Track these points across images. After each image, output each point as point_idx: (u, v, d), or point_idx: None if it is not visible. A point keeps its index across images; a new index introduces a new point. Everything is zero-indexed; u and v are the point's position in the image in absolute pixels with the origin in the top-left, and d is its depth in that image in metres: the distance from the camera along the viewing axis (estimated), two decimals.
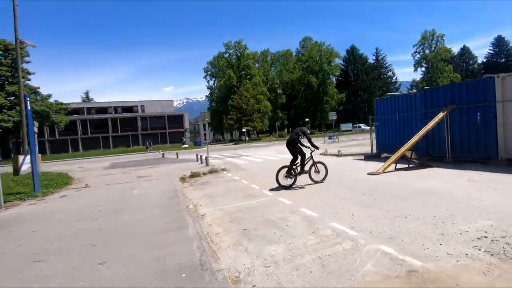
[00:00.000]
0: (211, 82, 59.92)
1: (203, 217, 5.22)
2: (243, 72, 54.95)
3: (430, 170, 8.08)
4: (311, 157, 7.19)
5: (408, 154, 8.51)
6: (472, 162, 8.57)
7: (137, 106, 54.71)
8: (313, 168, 7.22)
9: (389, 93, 12.46)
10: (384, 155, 11.63)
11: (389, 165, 8.17)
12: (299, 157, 7.03)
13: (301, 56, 62.14)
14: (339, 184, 7.08)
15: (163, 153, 22.81)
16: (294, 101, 62.66)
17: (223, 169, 11.76)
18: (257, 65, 62.82)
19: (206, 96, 62.16)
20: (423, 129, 8.78)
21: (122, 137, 48.97)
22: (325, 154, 14.74)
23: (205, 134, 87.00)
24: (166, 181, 9.38)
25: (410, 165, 8.48)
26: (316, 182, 7.22)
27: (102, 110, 53.70)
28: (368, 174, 8.03)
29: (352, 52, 63.90)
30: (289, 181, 6.92)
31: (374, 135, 12.84)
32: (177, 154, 21.18)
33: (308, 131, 7.18)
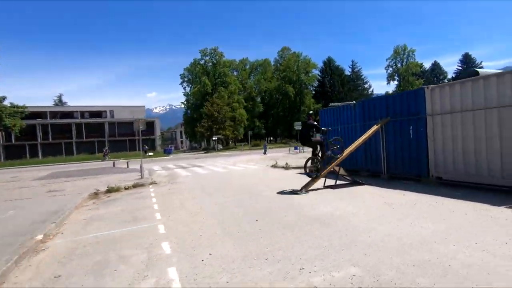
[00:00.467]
0: (188, 89, 58.47)
1: (37, 254, 4.08)
2: (218, 79, 54.03)
3: (357, 188, 7.32)
4: (326, 138, 8.24)
5: (337, 169, 7.74)
6: (406, 179, 7.92)
7: (106, 111, 52.09)
8: (330, 147, 8.20)
9: (331, 104, 11.92)
10: None
11: (313, 183, 7.34)
12: (319, 147, 8.01)
13: (279, 65, 62.27)
14: (243, 205, 6.15)
15: (114, 162, 21.22)
16: (272, 110, 62.33)
17: (152, 183, 10.57)
18: (235, 73, 62.17)
19: (182, 102, 60.48)
20: (353, 144, 8.08)
21: (87, 143, 46.20)
22: (275, 167, 13.85)
23: (182, 142, 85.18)
24: (69, 198, 8.09)
25: (338, 182, 7.71)
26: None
27: (68, 114, 50.75)
28: (291, 193, 7.15)
29: (329, 64, 64.74)
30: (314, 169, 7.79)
31: None
32: (127, 163, 19.68)
33: (315, 122, 7.97)
